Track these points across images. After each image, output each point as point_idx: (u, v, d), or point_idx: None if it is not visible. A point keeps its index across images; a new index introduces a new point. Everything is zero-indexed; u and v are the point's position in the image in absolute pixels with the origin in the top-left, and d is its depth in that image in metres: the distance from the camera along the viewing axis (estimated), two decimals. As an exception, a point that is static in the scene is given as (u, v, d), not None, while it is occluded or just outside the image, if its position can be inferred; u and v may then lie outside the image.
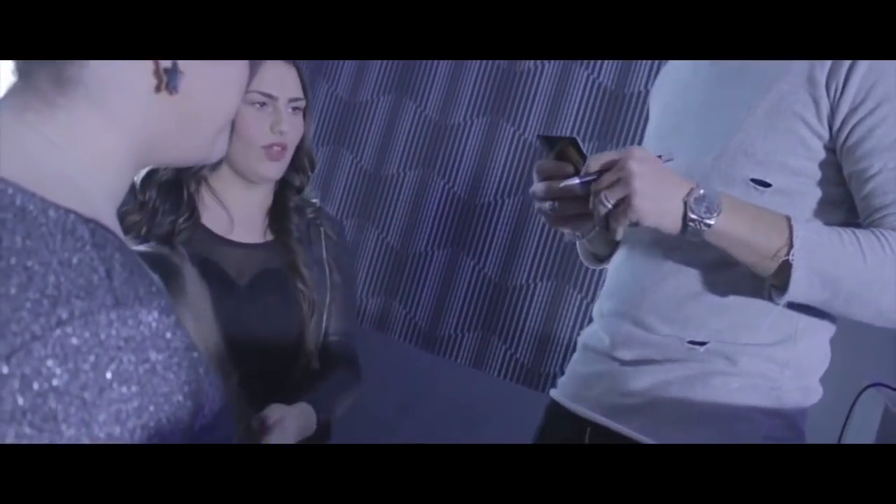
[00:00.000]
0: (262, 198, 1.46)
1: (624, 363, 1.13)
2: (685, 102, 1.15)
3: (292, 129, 1.40)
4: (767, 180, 1.02)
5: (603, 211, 0.96)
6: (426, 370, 2.61)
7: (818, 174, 1.03)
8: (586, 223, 1.09)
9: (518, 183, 2.57)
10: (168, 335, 0.51)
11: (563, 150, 1.04)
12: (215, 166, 1.40)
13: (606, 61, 2.49)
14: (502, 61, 2.63)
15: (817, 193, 1.03)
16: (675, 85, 1.22)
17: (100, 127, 0.59)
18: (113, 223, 0.57)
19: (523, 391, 2.48)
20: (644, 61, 2.43)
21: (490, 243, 2.60)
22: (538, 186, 1.07)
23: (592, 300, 2.42)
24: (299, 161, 1.46)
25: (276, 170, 1.41)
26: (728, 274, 1.05)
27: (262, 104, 1.37)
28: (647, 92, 2.41)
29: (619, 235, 0.98)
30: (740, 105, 1.06)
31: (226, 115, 0.67)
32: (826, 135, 1.01)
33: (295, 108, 1.41)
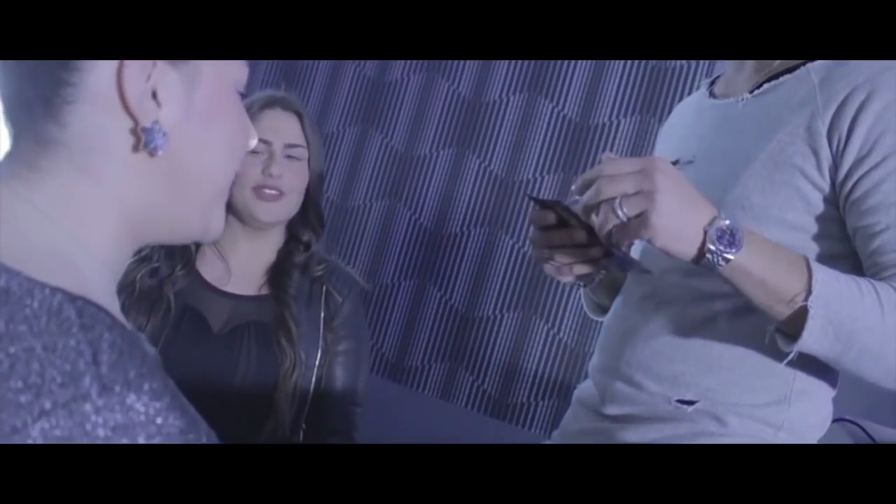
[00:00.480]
0: (267, 252, 1.43)
1: (612, 420, 1.09)
2: (686, 153, 1.11)
3: (288, 174, 1.37)
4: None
5: (612, 221, 0.88)
6: (393, 401, 2.60)
7: (818, 229, 0.98)
8: (587, 271, 1.06)
9: (484, 214, 2.58)
10: (159, 420, 0.49)
11: (549, 205, 1.03)
12: None
13: (571, 94, 2.51)
14: (468, 93, 2.65)
15: (817, 249, 0.98)
16: (678, 135, 1.18)
17: (86, 192, 0.57)
18: (105, 298, 0.55)
19: (490, 422, 2.47)
20: (609, 94, 2.46)
21: (457, 274, 2.60)
22: (535, 234, 1.04)
23: (559, 331, 2.43)
24: (307, 214, 1.42)
25: (269, 212, 1.38)
26: (719, 331, 1.01)
27: (257, 150, 1.36)
28: (612, 123, 2.44)
29: (625, 248, 0.91)
30: (739, 157, 1.02)
31: (219, 181, 0.65)
32: (827, 187, 0.96)
33: (291, 156, 1.39)
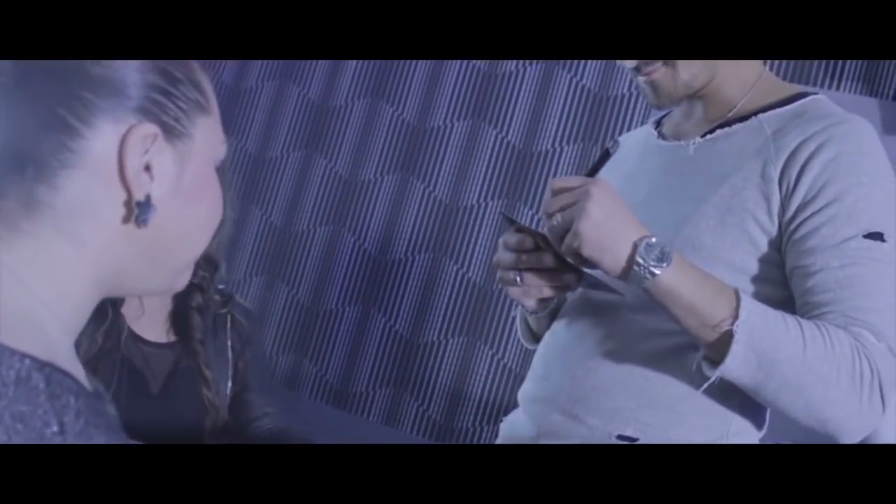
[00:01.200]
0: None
1: None
2: (633, 190, 1.11)
3: None
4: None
5: (554, 233, 0.94)
6: (337, 428, 2.58)
7: (761, 273, 1.01)
8: (554, 294, 1.07)
9: (428, 240, 2.59)
10: None
11: (522, 227, 1.05)
12: None
13: (514, 121, 2.54)
14: (412, 118, 2.66)
15: (758, 292, 1.00)
16: (624, 172, 1.19)
17: (64, 255, 0.57)
18: (69, 360, 0.55)
19: (436, 448, 2.47)
20: (552, 122, 2.49)
21: (401, 300, 2.60)
22: (504, 255, 1.06)
23: (503, 356, 2.44)
24: None
25: None
26: (663, 368, 1.02)
27: None
28: (555, 150, 2.47)
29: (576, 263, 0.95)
30: (690, 198, 1.04)
31: (194, 252, 0.66)
32: (774, 231, 0.99)
33: None
